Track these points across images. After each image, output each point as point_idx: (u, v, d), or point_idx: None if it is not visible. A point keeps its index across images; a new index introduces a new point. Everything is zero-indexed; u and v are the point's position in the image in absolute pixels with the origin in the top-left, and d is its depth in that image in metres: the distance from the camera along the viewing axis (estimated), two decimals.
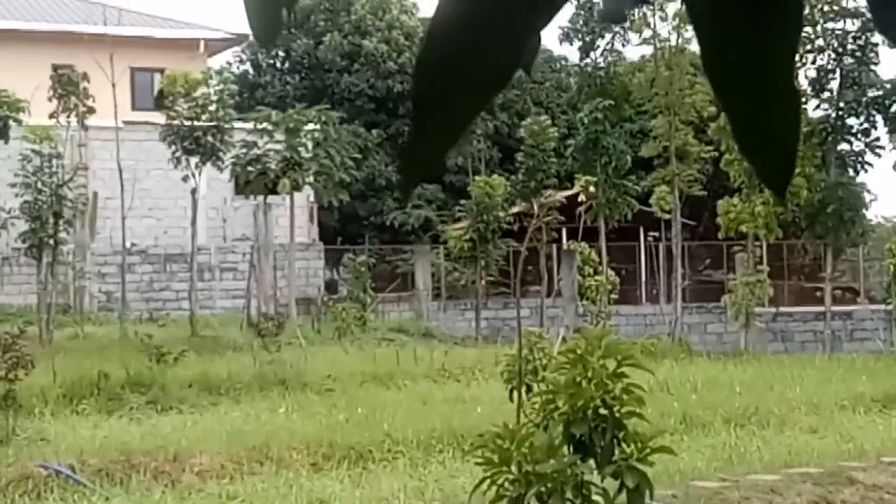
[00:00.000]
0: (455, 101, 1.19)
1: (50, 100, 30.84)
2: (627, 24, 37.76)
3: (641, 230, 40.94)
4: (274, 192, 32.19)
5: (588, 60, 46.62)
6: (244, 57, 50.76)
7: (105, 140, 32.65)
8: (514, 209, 35.37)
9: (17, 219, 28.07)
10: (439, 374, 22.76)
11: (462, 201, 35.72)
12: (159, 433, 15.32)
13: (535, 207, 32.59)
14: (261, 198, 32.92)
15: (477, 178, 36.42)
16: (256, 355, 22.77)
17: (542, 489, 7.30)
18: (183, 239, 33.64)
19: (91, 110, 31.50)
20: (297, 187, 32.17)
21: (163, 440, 14.52)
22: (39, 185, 27.77)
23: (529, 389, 11.97)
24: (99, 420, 17.06)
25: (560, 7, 1.21)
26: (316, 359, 23.33)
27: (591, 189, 35.12)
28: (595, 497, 7.40)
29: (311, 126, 32.60)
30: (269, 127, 32.20)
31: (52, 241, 27.90)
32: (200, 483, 12.78)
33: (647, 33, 36.43)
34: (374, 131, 45.44)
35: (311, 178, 32.68)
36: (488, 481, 7.42)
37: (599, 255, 35.43)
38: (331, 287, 38.70)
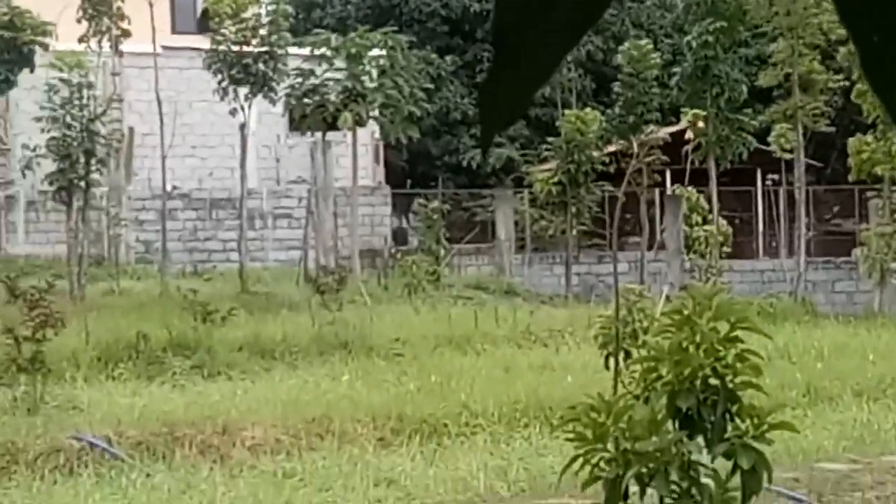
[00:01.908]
0: (544, 34, 1.16)
1: (79, 22, 31.16)
2: None
3: (758, 173, 40.58)
4: (334, 127, 32.27)
5: None
6: None
7: (142, 68, 32.89)
8: (611, 148, 35.18)
9: (43, 158, 28.35)
10: (524, 337, 22.77)
11: (550, 138, 35.59)
12: (206, 402, 15.50)
13: (635, 146, 32.46)
14: (319, 134, 33.02)
15: (567, 111, 36.25)
16: (315, 315, 22.90)
17: (643, 470, 7.33)
18: (231, 182, 33.91)
19: (126, 34, 31.77)
20: (360, 122, 32.23)
21: (210, 410, 14.68)
22: (68, 119, 27.98)
23: (628, 356, 11.98)
24: (138, 386, 17.28)
25: None
26: (383, 319, 23.43)
27: (700, 125, 34.76)
28: (704, 479, 7.41)
29: (375, 52, 32.58)
30: (329, 53, 32.23)
31: (83, 184, 28.15)
32: (253, 459, 12.92)
33: None
34: (447, 58, 45.26)
35: (376, 112, 32.70)
36: (581, 460, 7.45)
37: (709, 201, 35.11)
38: (399, 237, 38.81)
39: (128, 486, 11.54)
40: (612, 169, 33.43)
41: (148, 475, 12.04)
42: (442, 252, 33.79)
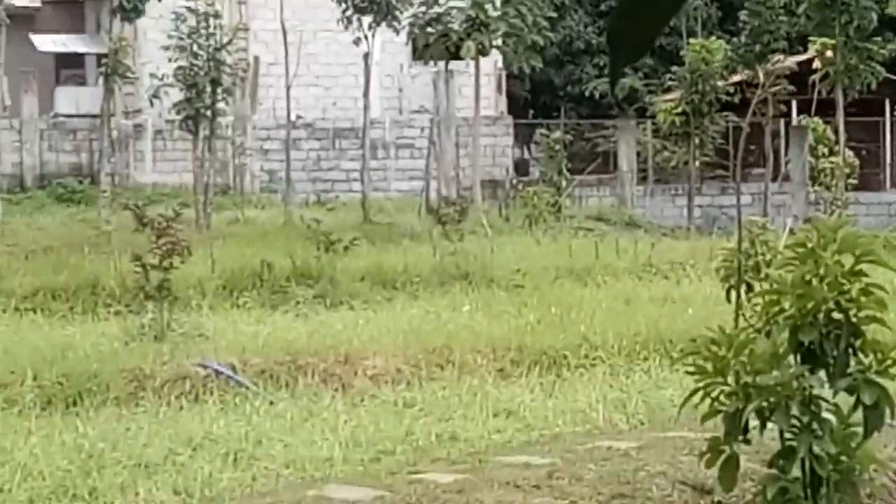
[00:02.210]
0: None
1: None
2: None
3: (887, 103, 39.85)
4: (457, 57, 32.26)
5: None
6: None
7: None
8: (736, 77, 34.76)
9: (170, 87, 28.63)
10: (644, 269, 22.66)
11: (674, 68, 35.29)
12: (328, 331, 15.60)
13: (761, 75, 32.05)
14: (441, 64, 33.04)
15: (692, 40, 35.83)
16: (436, 245, 22.98)
17: (764, 403, 7.27)
18: (354, 111, 34.04)
19: None
20: (482, 52, 32.17)
21: (332, 339, 14.78)
22: (195, 48, 28.23)
23: (750, 289, 11.89)
24: (262, 315, 17.48)
25: None
26: (503, 250, 23.44)
27: (828, 54, 34.25)
28: (825, 414, 7.34)
29: None
30: None
31: (209, 113, 28.45)
32: (374, 388, 13.00)
33: None
34: None
35: (499, 41, 32.61)
36: (700, 393, 7.42)
37: (836, 132, 34.63)
38: (521, 168, 38.78)
39: (252, 413, 11.67)
40: (736, 99, 33.02)
41: (271, 403, 12.17)
42: (563, 183, 33.68)
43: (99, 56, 35.15)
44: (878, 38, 35.07)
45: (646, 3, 1.14)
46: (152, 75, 30.23)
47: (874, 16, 34.44)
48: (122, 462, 9.60)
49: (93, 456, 9.78)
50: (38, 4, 39.18)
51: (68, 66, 39.79)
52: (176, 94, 28.55)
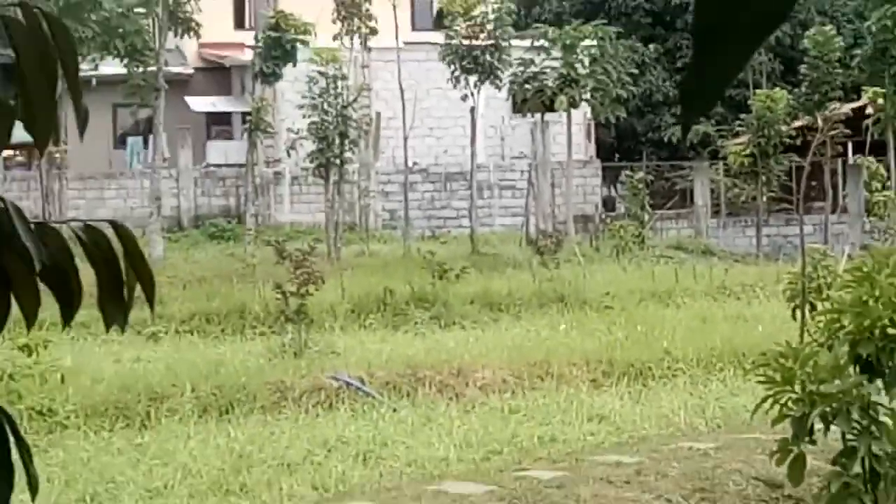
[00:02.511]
0: (736, 35, 1.16)
1: (334, 22, 31.67)
2: None
3: None
4: (551, 109, 32.24)
5: None
6: None
7: (387, 61, 33.27)
8: (797, 123, 34.33)
9: (304, 139, 28.94)
10: (719, 291, 22.47)
11: (742, 115, 34.95)
12: (443, 348, 15.62)
13: (819, 121, 31.61)
14: (538, 115, 33.03)
15: (758, 91, 35.56)
16: (535, 272, 22.94)
17: (827, 409, 7.20)
18: (462, 157, 34.12)
19: (373, 32, 32.20)
20: (574, 104, 32.13)
21: (446, 355, 14.81)
22: (325, 105, 28.50)
23: (813, 308, 11.75)
24: (385, 334, 17.55)
25: None
26: (594, 276, 23.35)
27: (879, 101, 33.79)
28: (882, 418, 7.26)
29: (587, 42, 32.39)
30: (546, 44, 32.17)
31: (338, 161, 28.69)
32: (483, 397, 13.01)
33: None
34: (651, 46, 44.72)
35: (588, 95, 32.56)
36: (770, 400, 7.36)
37: (888, 169, 34.08)
38: (608, 204, 38.63)
39: (378, 419, 11.74)
40: (798, 142, 32.60)
41: (394, 410, 12.23)
42: (646, 217, 33.50)
43: (243, 114, 35.58)
44: None
45: (714, 61, 1.15)
46: (289, 130, 30.56)
47: None
48: (267, 462, 9.70)
49: (242, 456, 9.89)
50: (191, 71, 39.76)
51: (217, 123, 40.33)
52: (309, 146, 28.83)
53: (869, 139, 34.47)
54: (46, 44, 2.03)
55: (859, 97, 36.06)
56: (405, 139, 31.61)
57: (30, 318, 2.20)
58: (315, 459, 9.78)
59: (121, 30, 29.89)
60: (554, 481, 7.95)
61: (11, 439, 2.09)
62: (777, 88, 35.53)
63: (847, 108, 34.89)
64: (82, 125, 2.20)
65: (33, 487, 2.12)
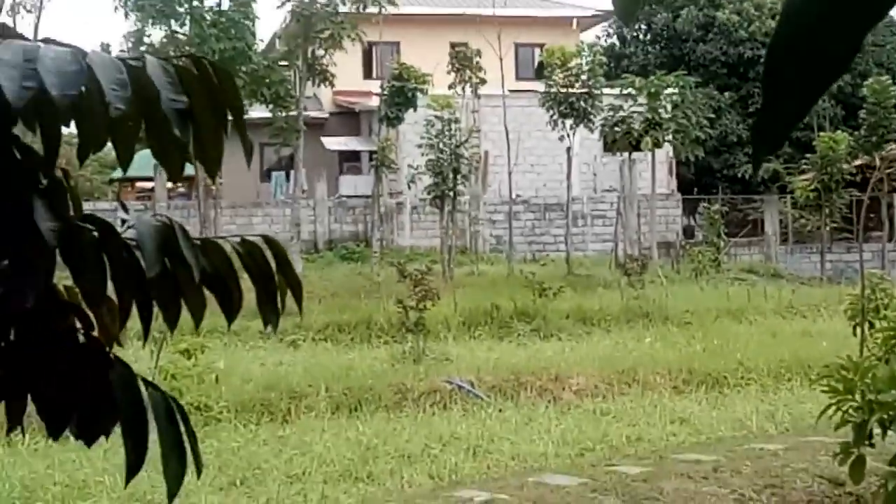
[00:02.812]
0: (801, 84, 1.16)
1: (448, 73, 31.83)
2: None
3: None
4: (637, 149, 32.07)
5: None
6: (611, 31, 50.54)
7: (494, 106, 33.36)
8: (857, 162, 33.76)
9: (422, 174, 29.15)
10: (787, 310, 22.20)
11: (808, 155, 34.44)
12: (542, 356, 15.63)
13: (877, 160, 31.05)
14: (626, 154, 32.85)
15: (822, 133, 34.99)
16: (623, 291, 22.83)
17: (885, 416, 7.08)
18: (559, 191, 34.09)
19: (482, 81, 32.29)
20: (657, 144, 31.90)
21: (545, 362, 14.81)
22: (441, 145, 28.68)
23: (872, 326, 11.53)
24: (492, 344, 17.59)
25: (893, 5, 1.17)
26: (675, 295, 23.18)
27: None
28: None
29: (669, 90, 32.18)
30: (633, 92, 32.02)
31: (451, 193, 28.82)
32: (577, 400, 13.00)
33: None
34: (726, 94, 44.34)
35: (670, 136, 32.32)
36: (834, 407, 7.26)
37: None
38: (687, 232, 38.31)
39: (485, 418, 11.76)
40: (857, 178, 32.05)
41: (500, 410, 12.26)
42: (721, 244, 33.21)
43: (370, 152, 35.93)
44: None
45: (781, 107, 1.16)
46: (409, 166, 30.79)
47: None
48: (390, 453, 9.76)
49: (369, 448, 9.97)
50: (326, 115, 40.26)
51: (348, 160, 40.76)
52: (427, 180, 29.01)
53: None
54: (214, 90, 2.07)
55: None
56: (509, 174, 31.65)
57: (197, 319, 2.24)
58: (431, 452, 9.81)
59: (267, 80, 30.36)
60: (640, 476, 7.89)
61: (182, 427, 2.13)
62: (839, 131, 35.00)
63: None
64: (248, 155, 2.25)
65: (199, 468, 2.17)
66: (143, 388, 2.11)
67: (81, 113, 1.91)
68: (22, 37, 2.01)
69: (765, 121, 1.21)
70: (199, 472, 2.20)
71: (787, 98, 1.17)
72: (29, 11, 35.19)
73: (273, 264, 2.26)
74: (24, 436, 9.12)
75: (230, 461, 9.34)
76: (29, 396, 2.10)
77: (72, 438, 2.11)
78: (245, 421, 11.65)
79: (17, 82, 1.81)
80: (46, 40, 1.97)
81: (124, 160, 2.03)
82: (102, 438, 2.12)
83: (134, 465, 2.09)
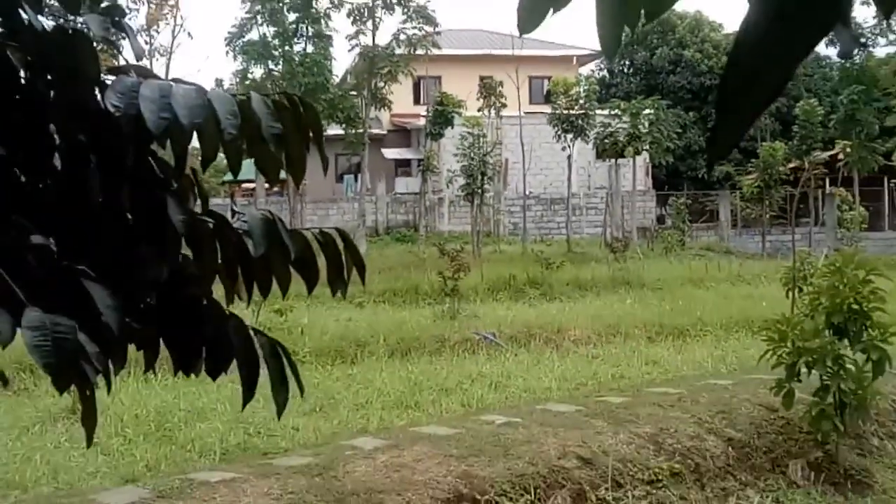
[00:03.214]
0: (745, 105, 1.18)
1: (478, 99, 31.77)
2: (878, 31, 34.64)
3: (885, 179, 37.67)
4: (622, 156, 31.87)
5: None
6: (602, 66, 50.16)
7: (512, 125, 33.27)
8: (791, 165, 33.42)
9: (458, 176, 29.15)
10: (736, 279, 22.05)
11: (752, 160, 34.07)
12: (548, 314, 15.63)
13: (806, 164, 30.76)
14: (613, 160, 32.66)
15: (764, 143, 34.60)
16: (610, 265, 22.78)
17: (809, 359, 7.07)
18: (562, 188, 33.97)
19: (504, 105, 32.22)
20: (638, 152, 31.70)
21: (550, 319, 14.82)
22: (472, 154, 28.64)
23: (801, 290, 11.46)
24: (510, 305, 17.59)
25: (822, 39, 1.18)
26: (650, 267, 23.10)
27: (848, 150, 32.88)
28: (848, 365, 7.10)
29: (647, 111, 31.92)
30: (619, 112, 31.79)
31: (479, 191, 28.80)
32: (574, 347, 13.00)
33: (892, 37, 33.33)
34: (690, 113, 43.87)
35: (647, 146, 32.10)
36: (771, 352, 7.25)
37: (853, 196, 33.05)
38: (660, 219, 38.08)
39: (504, 360, 11.80)
40: (791, 178, 31.75)
41: (515, 355, 12.29)
42: (685, 228, 33.03)
43: (418, 160, 35.96)
44: (879, 140, 33.52)
45: (729, 124, 1.18)
46: (448, 170, 30.79)
47: (876, 127, 33.03)
48: (432, 387, 9.81)
49: (416, 384, 10.02)
50: (385, 132, 40.29)
51: (402, 166, 40.79)
52: (461, 181, 29.01)
53: (840, 176, 33.57)
54: (300, 118, 2.11)
55: (833, 147, 35.07)
56: (524, 176, 31.59)
57: (283, 289, 2.29)
58: (463, 386, 9.86)
59: (340, 106, 30.45)
60: (622, 404, 7.91)
61: (286, 361, 2.20)
62: (777, 141, 34.61)
63: (825, 155, 33.99)
64: (325, 167, 2.32)
65: (301, 390, 2.23)
66: (253, 335, 2.17)
67: (203, 134, 1.97)
68: (157, 77, 2.06)
69: (717, 134, 1.22)
70: (301, 393, 2.26)
71: (734, 116, 1.19)
72: (162, 55, 35.31)
73: (342, 248, 2.31)
74: (156, 374, 9.23)
75: (311, 393, 9.43)
76: (162, 343, 2.16)
77: (193, 375, 2.16)
78: (323, 363, 11.74)
79: (156, 114, 1.86)
80: (176, 80, 2.02)
81: (234, 168, 2.09)
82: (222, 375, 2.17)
83: (248, 394, 2.15)
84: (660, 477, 6.57)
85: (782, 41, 1.13)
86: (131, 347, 2.08)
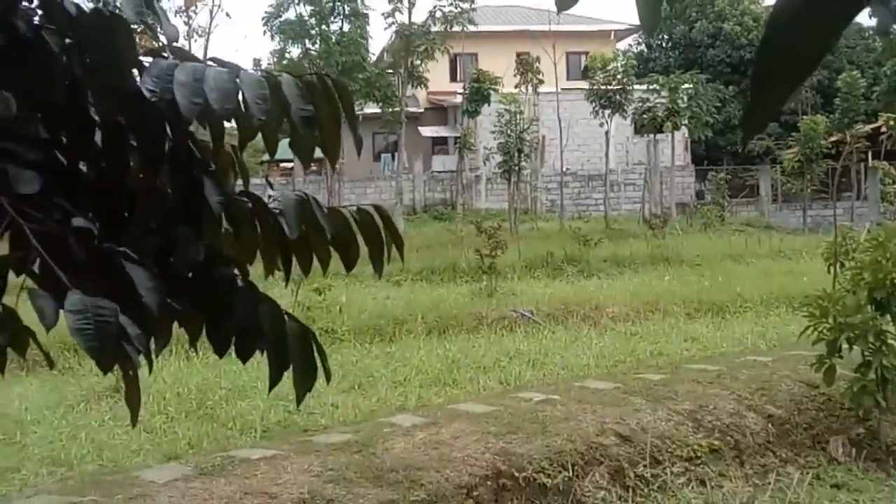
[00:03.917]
0: (780, 81, 1.15)
1: (515, 76, 31.60)
2: None
3: None
4: (660, 131, 31.59)
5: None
6: (640, 40, 49.67)
7: (549, 101, 33.07)
8: (832, 138, 32.92)
9: (495, 153, 29.07)
10: (776, 254, 21.82)
11: (793, 134, 33.68)
12: (585, 291, 15.58)
13: (848, 137, 30.30)
14: (651, 135, 32.39)
15: (805, 117, 34.14)
16: (648, 241, 22.64)
17: (851, 335, 6.99)
18: (600, 164, 33.76)
19: (541, 82, 32.02)
20: (676, 127, 31.40)
21: (588, 296, 14.77)
22: (508, 131, 28.56)
23: (842, 265, 11.31)
24: (547, 282, 17.56)
25: (857, 14, 1.15)
26: (689, 244, 22.90)
27: (891, 123, 32.17)
28: (890, 341, 7.01)
29: (686, 86, 31.57)
30: (657, 87, 31.48)
31: (517, 168, 28.72)
32: (612, 324, 12.95)
33: None
34: (730, 87, 43.33)
35: (686, 121, 31.77)
36: (811, 328, 7.17)
37: None
38: (699, 195, 37.71)
39: (542, 338, 11.79)
40: (833, 151, 31.34)
41: (553, 332, 12.26)
42: (725, 203, 32.68)
43: (455, 138, 35.88)
44: None
45: (764, 100, 1.17)
46: (485, 147, 30.73)
47: None
48: (470, 365, 9.84)
49: (454, 361, 10.05)
50: (422, 110, 40.22)
51: (439, 144, 40.74)
52: (497, 158, 28.94)
53: (883, 150, 32.98)
54: (333, 100, 2.11)
55: (877, 120, 34.43)
56: (561, 152, 31.42)
57: (324, 268, 2.30)
58: (501, 364, 9.88)
59: (377, 84, 30.45)
60: (660, 381, 7.88)
61: (314, 346, 2.20)
62: (818, 115, 34.12)
63: (868, 128, 33.40)
64: (358, 147, 2.31)
65: (327, 377, 2.24)
66: (286, 319, 2.18)
67: (238, 116, 1.98)
68: (194, 58, 2.07)
69: (751, 110, 1.20)
70: (328, 380, 2.26)
71: (769, 93, 1.16)
72: (200, 36, 35.56)
73: (381, 226, 2.31)
74: (197, 353, 9.33)
75: (350, 370, 9.50)
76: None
77: (233, 354, 2.19)
78: (361, 340, 11.80)
79: (189, 98, 1.87)
80: (214, 59, 2.03)
81: (271, 150, 2.10)
82: (258, 354, 2.19)
83: (275, 378, 2.16)
84: (699, 454, 6.55)
85: (818, 16, 1.11)
86: (175, 324, 2.11)
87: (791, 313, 12.41)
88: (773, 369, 8.22)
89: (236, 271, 2.18)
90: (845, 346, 7.01)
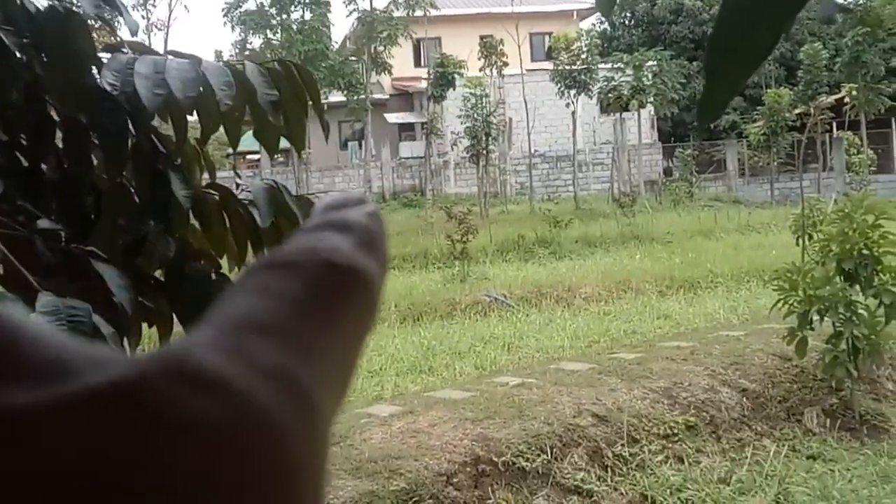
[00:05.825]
0: (736, 63, 1.17)
1: (479, 59, 31.58)
2: None
3: (893, 120, 37.40)
4: (626, 109, 31.73)
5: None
6: (604, 19, 49.81)
7: (514, 83, 33.07)
8: (797, 111, 33.20)
9: (462, 138, 29.06)
10: (745, 228, 22.00)
11: (758, 107, 33.96)
12: (558, 273, 15.64)
13: (812, 109, 30.52)
14: (618, 114, 32.52)
15: (769, 90, 34.41)
16: (618, 220, 22.74)
17: (821, 307, 7.07)
18: (567, 145, 33.82)
19: (505, 64, 32.02)
20: (642, 105, 31.55)
21: (560, 277, 14.83)
22: (475, 115, 28.55)
23: (810, 237, 11.43)
24: (519, 265, 17.61)
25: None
26: (658, 221, 23.05)
27: (854, 93, 32.57)
28: (860, 311, 7.09)
29: (650, 63, 31.71)
30: (622, 66, 31.59)
31: (485, 151, 28.74)
32: (586, 305, 13.00)
33: None
34: (693, 63, 43.50)
35: (652, 99, 31.92)
36: (782, 302, 7.24)
37: (861, 139, 32.86)
38: (667, 172, 37.90)
39: (515, 321, 11.82)
40: (798, 123, 31.60)
41: (527, 315, 12.30)
42: (693, 179, 32.92)
43: (422, 123, 35.80)
44: (885, 82, 33.24)
45: (721, 85, 1.16)
46: (452, 132, 30.69)
47: (882, 68, 32.73)
48: (445, 351, 9.85)
49: (429, 348, 10.06)
50: (387, 96, 40.04)
51: (405, 130, 40.60)
52: (465, 142, 28.93)
53: (847, 120, 33.36)
54: (298, 85, 2.10)
55: (839, 91, 34.79)
56: (528, 134, 31.45)
57: None
58: (476, 349, 9.90)
59: (341, 72, 30.32)
60: (635, 360, 7.93)
61: None
62: (782, 87, 34.43)
63: (831, 98, 33.68)
64: (326, 133, 2.29)
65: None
66: None
67: (200, 107, 1.97)
68: (154, 52, 2.05)
69: (707, 97, 1.19)
70: None
71: (724, 79, 1.17)
72: (160, 30, 35.20)
73: None
74: None
75: None
76: (175, 318, 2.17)
77: None
78: None
79: (150, 90, 1.86)
80: (173, 52, 2.02)
81: (233, 140, 2.09)
82: None
83: None
84: (675, 431, 6.61)
85: (766, 8, 1.12)
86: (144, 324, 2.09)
87: (762, 287, 12.53)
88: (746, 343, 8.30)
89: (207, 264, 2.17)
90: (816, 317, 7.10)
